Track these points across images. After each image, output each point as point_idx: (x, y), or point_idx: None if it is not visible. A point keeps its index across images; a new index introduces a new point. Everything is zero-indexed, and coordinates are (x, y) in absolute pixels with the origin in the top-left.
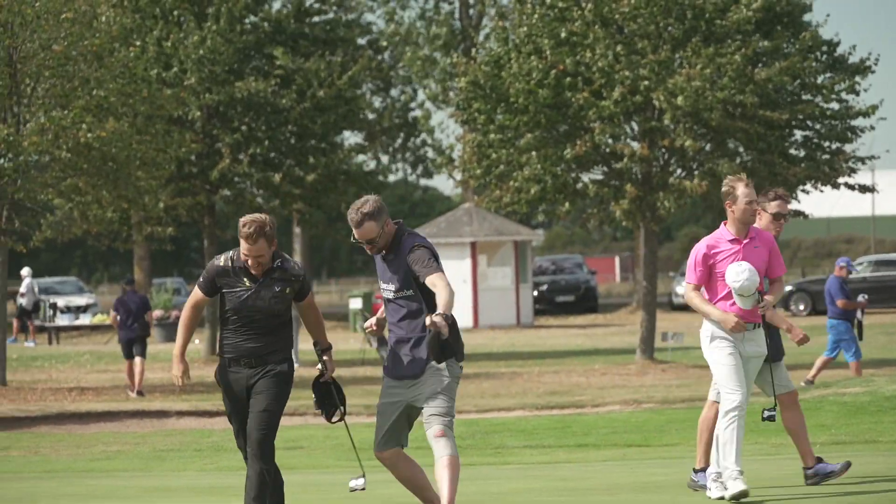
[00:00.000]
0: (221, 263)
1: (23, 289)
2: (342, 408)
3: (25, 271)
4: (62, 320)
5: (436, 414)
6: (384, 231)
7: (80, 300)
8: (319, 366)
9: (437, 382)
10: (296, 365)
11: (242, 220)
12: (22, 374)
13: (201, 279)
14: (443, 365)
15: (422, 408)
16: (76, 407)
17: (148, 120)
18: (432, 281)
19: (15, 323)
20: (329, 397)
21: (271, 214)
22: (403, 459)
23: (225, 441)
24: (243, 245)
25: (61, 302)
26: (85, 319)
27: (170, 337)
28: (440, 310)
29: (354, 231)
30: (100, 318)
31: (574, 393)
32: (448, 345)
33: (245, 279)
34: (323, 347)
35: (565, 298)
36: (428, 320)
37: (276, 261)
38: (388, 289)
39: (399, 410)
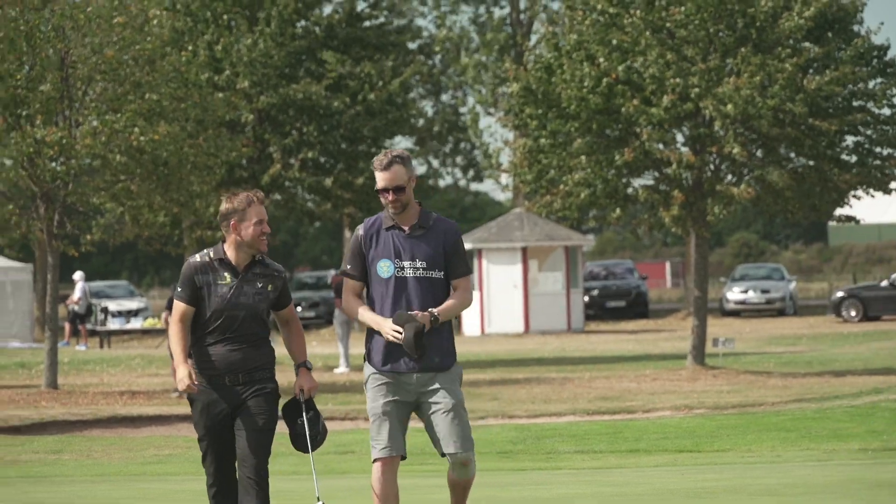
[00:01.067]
0: (199, 259)
1: (77, 293)
2: (314, 436)
3: (78, 275)
4: (114, 324)
5: (461, 436)
6: (411, 188)
7: (132, 304)
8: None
9: (456, 391)
10: (345, 370)
11: (242, 194)
12: (74, 378)
13: (178, 288)
14: (459, 371)
15: (428, 413)
16: (128, 410)
17: (199, 124)
18: (462, 283)
19: (67, 327)
20: (297, 421)
21: (322, 219)
22: (396, 474)
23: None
24: (254, 210)
25: (113, 306)
26: (136, 323)
27: None
28: (442, 310)
29: (381, 176)
30: (151, 322)
31: (625, 398)
32: (423, 346)
33: (227, 274)
34: (298, 363)
35: (616, 304)
36: (418, 315)
37: (257, 255)
38: (408, 265)
39: (405, 411)
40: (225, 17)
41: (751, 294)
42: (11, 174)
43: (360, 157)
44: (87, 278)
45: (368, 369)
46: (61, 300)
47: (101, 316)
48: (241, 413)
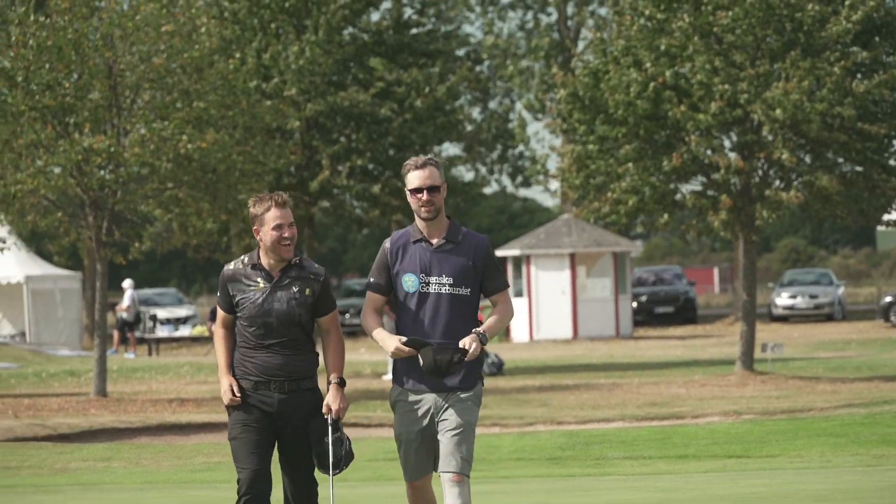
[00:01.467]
0: (231, 267)
1: (125, 301)
2: (337, 462)
3: (127, 283)
4: (162, 332)
5: (460, 456)
6: (442, 195)
7: (180, 311)
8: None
9: (469, 411)
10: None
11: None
12: (122, 386)
13: (218, 295)
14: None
15: (438, 429)
16: (176, 418)
17: (247, 131)
18: (501, 297)
19: (116, 334)
20: (323, 440)
21: (370, 225)
22: (429, 487)
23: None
24: (273, 214)
25: (161, 313)
26: (185, 331)
27: None
28: (487, 329)
29: (416, 175)
30: (199, 330)
31: (674, 404)
32: (442, 367)
33: (259, 279)
34: (331, 379)
35: (664, 309)
36: (467, 341)
37: (294, 258)
38: (434, 281)
39: (432, 432)
40: (273, 24)
41: (799, 299)
42: (60, 182)
43: None
44: (136, 286)
45: (395, 390)
46: (110, 308)
47: (149, 324)
48: (290, 426)
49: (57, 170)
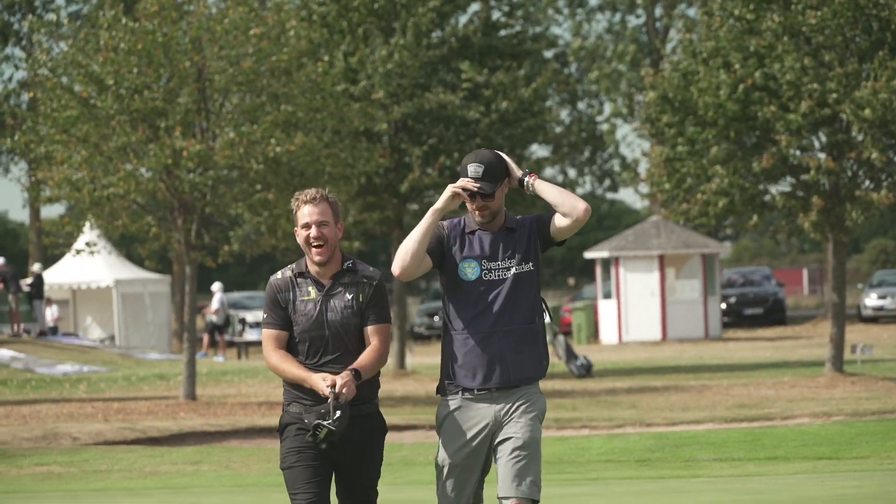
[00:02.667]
0: (280, 276)
1: (214, 304)
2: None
3: (216, 286)
4: (251, 335)
5: (530, 479)
6: (503, 194)
7: None
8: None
9: (535, 428)
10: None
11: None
12: (212, 389)
13: (265, 313)
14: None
15: (499, 446)
16: (266, 421)
17: (336, 134)
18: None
19: (205, 338)
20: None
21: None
22: None
23: (415, 455)
24: (302, 212)
25: (250, 317)
26: None
27: None
28: (361, 366)
29: (472, 171)
30: None
31: (763, 405)
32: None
33: (311, 288)
34: (351, 370)
35: (753, 311)
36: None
37: (346, 262)
38: (497, 266)
39: (481, 458)
40: (361, 27)
41: (889, 300)
42: (150, 186)
43: None
44: (225, 289)
45: (446, 405)
46: (199, 311)
47: (238, 327)
48: (343, 456)
49: (147, 173)
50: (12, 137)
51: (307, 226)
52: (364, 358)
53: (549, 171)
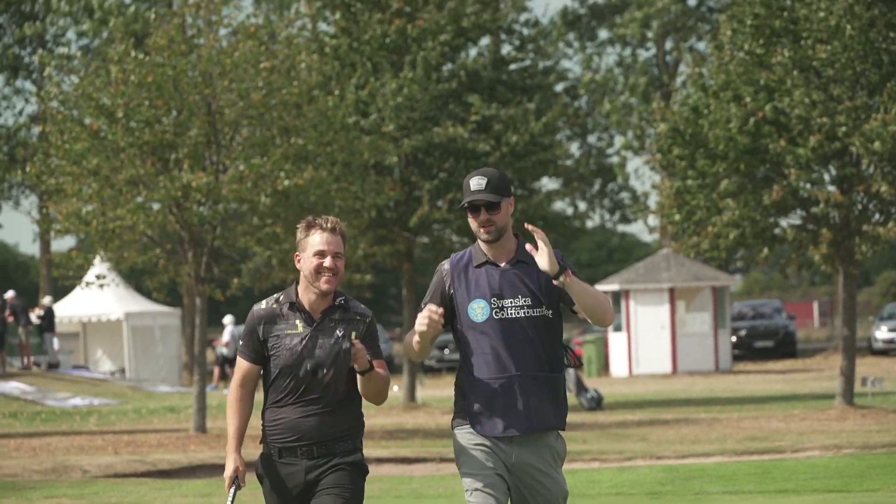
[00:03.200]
0: (264, 306)
1: (225, 337)
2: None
3: (228, 319)
4: None
5: None
6: (509, 212)
7: None
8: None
9: (560, 480)
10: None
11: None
12: (222, 422)
13: (241, 341)
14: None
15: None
16: None
17: (346, 167)
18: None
19: (216, 371)
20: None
21: None
22: None
23: (425, 487)
24: (316, 239)
25: None
26: None
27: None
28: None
29: (475, 184)
30: None
31: (773, 438)
32: None
33: (298, 322)
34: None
35: (764, 344)
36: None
37: (339, 299)
38: (509, 305)
39: (506, 481)
40: (371, 61)
41: None
42: (159, 218)
43: None
44: (236, 322)
45: (463, 436)
46: (209, 344)
47: None
48: (318, 492)
49: (156, 206)
50: (23, 170)
51: (321, 254)
52: (370, 386)
53: (559, 205)
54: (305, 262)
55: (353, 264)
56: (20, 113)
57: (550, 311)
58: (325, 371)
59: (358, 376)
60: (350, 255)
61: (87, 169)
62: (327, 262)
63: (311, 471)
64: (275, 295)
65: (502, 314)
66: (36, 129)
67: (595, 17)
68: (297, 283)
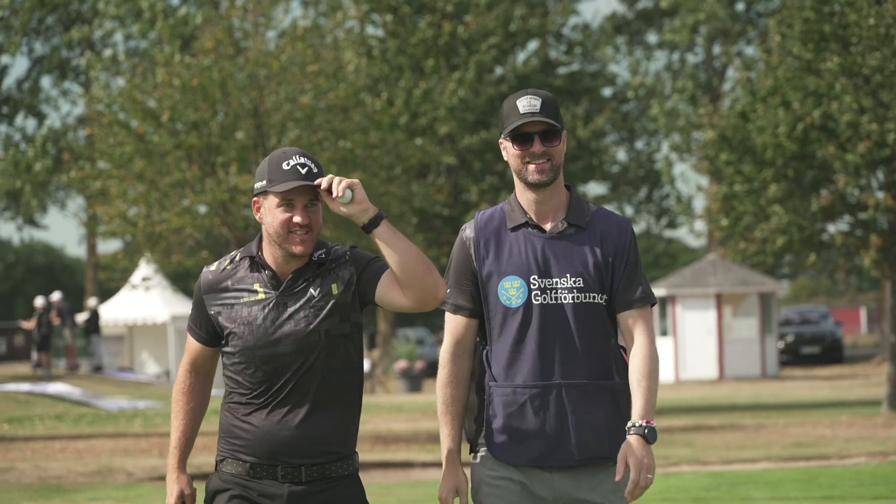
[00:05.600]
0: (214, 268)
1: None
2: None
3: None
4: None
5: None
6: (562, 156)
7: None
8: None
9: None
10: None
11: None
12: None
13: (190, 317)
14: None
15: None
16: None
17: (393, 171)
18: (637, 321)
19: None
20: None
21: None
22: None
23: None
24: (283, 188)
25: None
26: None
27: (413, 387)
28: (640, 414)
29: (525, 105)
30: None
31: (820, 445)
32: None
33: (258, 286)
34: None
35: (811, 350)
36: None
37: (317, 253)
38: (554, 286)
39: None
40: (422, 63)
41: None
42: (206, 221)
43: None
44: None
45: (483, 466)
46: None
47: None
48: None
49: (203, 209)
50: (69, 173)
51: (290, 205)
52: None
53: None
54: (268, 215)
55: None
56: (67, 115)
57: (605, 297)
58: (302, 354)
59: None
60: None
61: (132, 172)
62: (298, 216)
63: (296, 500)
64: (232, 252)
65: (545, 298)
66: (82, 132)
67: (644, 21)
68: (261, 237)
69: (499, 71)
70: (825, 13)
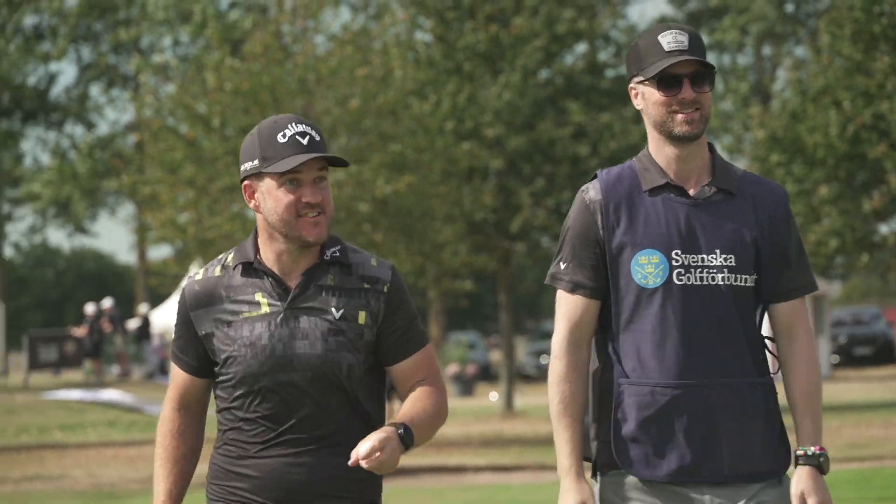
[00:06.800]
0: (201, 277)
1: None
2: None
3: None
4: None
5: None
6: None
7: None
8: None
9: None
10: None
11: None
12: None
13: (174, 339)
14: None
15: None
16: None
17: (443, 174)
18: (796, 315)
19: None
20: None
21: None
22: None
23: (523, 496)
24: (286, 164)
25: None
26: None
27: (465, 391)
28: (812, 438)
29: (670, 41)
30: None
31: (874, 445)
32: None
33: (260, 296)
34: (397, 422)
35: (863, 351)
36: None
37: (329, 250)
38: (700, 263)
39: None
40: (468, 67)
41: None
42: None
43: None
44: None
45: (611, 484)
46: None
47: None
48: None
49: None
50: (119, 178)
51: (295, 183)
52: (416, 405)
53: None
54: (268, 199)
55: (451, 271)
56: (115, 122)
57: (755, 279)
58: (318, 380)
59: None
60: (449, 261)
61: (182, 178)
62: (308, 194)
63: None
64: (220, 256)
65: (689, 278)
66: (132, 138)
67: (693, 23)
68: (256, 233)
69: (544, 74)
70: (875, 13)
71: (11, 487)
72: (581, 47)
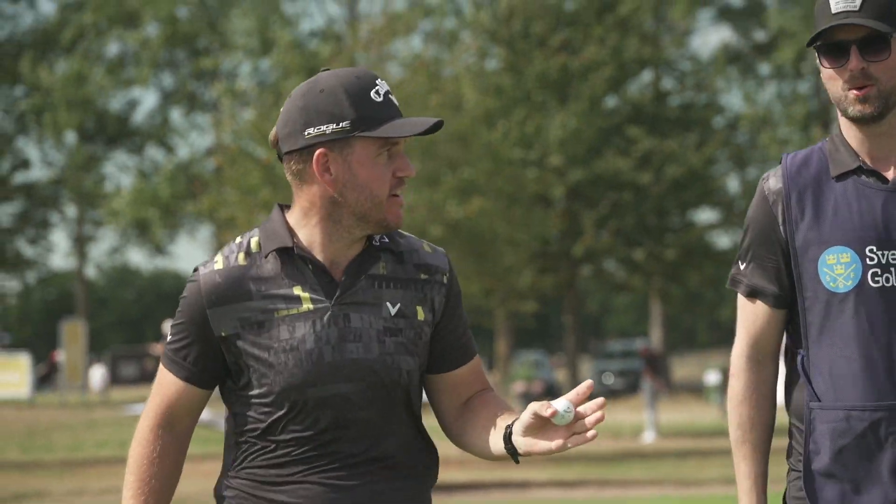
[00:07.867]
0: (220, 267)
1: None
2: None
3: None
4: None
5: None
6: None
7: None
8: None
9: None
10: (652, 437)
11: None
12: None
13: (167, 343)
14: None
15: None
16: (440, 479)
17: (511, 199)
18: None
19: None
20: None
21: (631, 290)
22: None
23: None
24: (383, 130)
25: None
26: None
27: None
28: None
29: (835, 20)
30: None
31: None
32: None
33: (299, 289)
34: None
35: None
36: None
37: (376, 238)
38: (893, 259)
39: None
40: (536, 96)
41: None
42: None
43: (667, 229)
44: None
45: None
46: None
47: None
48: None
49: None
50: (197, 200)
51: (390, 153)
52: (513, 414)
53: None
54: (362, 171)
55: (517, 293)
56: (194, 146)
57: None
58: (373, 391)
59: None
60: (515, 282)
61: (259, 200)
62: (405, 166)
63: None
64: (236, 240)
65: (886, 278)
66: (211, 163)
67: (756, 52)
68: (281, 208)
69: (611, 102)
70: None
71: (90, 499)
72: (647, 76)
